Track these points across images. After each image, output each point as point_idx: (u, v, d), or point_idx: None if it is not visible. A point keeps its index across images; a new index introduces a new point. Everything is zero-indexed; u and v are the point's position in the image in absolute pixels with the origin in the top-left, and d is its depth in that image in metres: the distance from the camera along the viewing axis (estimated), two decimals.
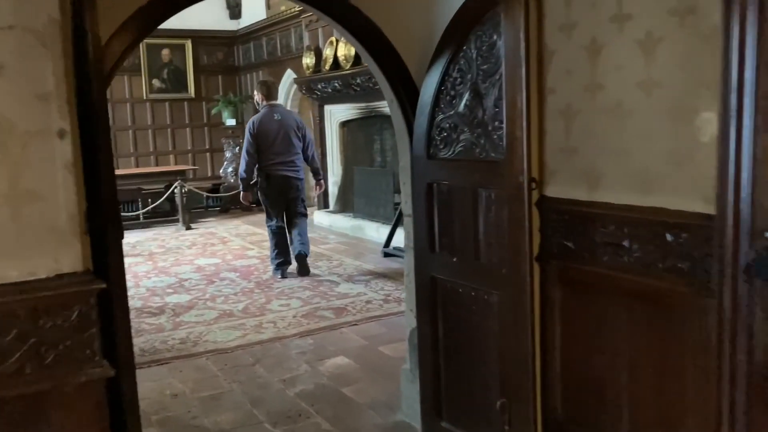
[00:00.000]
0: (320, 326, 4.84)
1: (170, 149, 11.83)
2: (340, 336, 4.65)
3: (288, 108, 11.13)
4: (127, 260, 7.54)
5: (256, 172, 6.47)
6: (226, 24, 11.98)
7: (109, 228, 1.88)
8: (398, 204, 8.18)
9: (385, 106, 8.49)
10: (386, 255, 7.18)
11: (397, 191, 8.03)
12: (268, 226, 6.57)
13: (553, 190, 2.51)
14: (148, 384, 3.88)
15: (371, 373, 3.97)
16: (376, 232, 8.16)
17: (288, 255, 6.49)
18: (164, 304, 5.59)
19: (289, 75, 10.60)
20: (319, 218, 9.64)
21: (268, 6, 10.96)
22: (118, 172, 9.99)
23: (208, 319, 5.13)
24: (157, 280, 6.46)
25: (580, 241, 2.43)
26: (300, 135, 6.49)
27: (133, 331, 4.96)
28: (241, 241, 8.46)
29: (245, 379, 3.93)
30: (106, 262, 1.86)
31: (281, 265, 6.43)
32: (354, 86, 8.23)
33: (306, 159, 6.58)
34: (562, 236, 2.49)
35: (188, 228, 9.53)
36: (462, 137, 2.78)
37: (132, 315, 5.33)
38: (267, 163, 6.37)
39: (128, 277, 6.62)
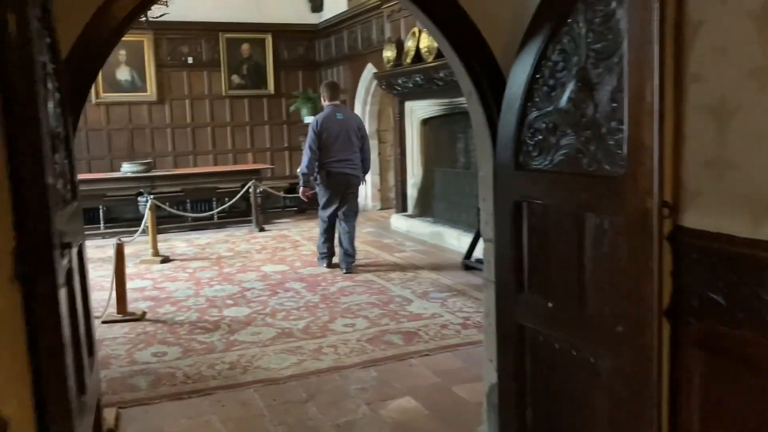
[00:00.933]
0: (386, 355, 4.22)
1: (248, 147, 11.54)
2: (408, 369, 4.01)
3: (368, 104, 10.60)
4: (192, 264, 7.27)
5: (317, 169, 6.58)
6: (307, 17, 11.56)
7: (40, 277, 1.31)
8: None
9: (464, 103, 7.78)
10: (467, 268, 6.48)
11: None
12: (321, 217, 6.76)
13: (694, 220, 1.79)
14: (183, 422, 3.38)
15: (442, 423, 3.31)
16: (456, 240, 7.47)
17: (333, 246, 6.79)
18: (221, 318, 5.12)
19: (369, 70, 10.04)
20: (396, 222, 9.03)
21: None
22: (193, 170, 9.72)
23: (264, 338, 4.61)
24: (219, 289, 6.03)
25: (735, 294, 1.69)
26: (359, 135, 6.75)
27: (181, 351, 4.54)
28: (312, 246, 7.95)
29: (294, 422, 3.36)
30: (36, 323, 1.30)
31: (327, 257, 6.78)
32: (437, 80, 7.56)
33: (361, 159, 6.78)
34: (706, 285, 1.76)
35: (261, 230, 9.14)
36: (564, 142, 2.08)
37: (184, 331, 4.90)
38: (328, 160, 6.52)
39: (190, 284, 6.31)
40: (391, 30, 8.98)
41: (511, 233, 2.32)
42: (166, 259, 7.31)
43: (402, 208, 9.18)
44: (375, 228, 9.19)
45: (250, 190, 9.17)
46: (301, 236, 8.65)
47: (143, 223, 7.17)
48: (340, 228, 6.65)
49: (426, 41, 7.89)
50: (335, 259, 6.76)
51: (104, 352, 4.41)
